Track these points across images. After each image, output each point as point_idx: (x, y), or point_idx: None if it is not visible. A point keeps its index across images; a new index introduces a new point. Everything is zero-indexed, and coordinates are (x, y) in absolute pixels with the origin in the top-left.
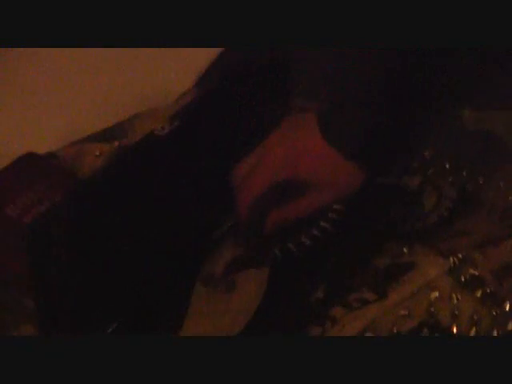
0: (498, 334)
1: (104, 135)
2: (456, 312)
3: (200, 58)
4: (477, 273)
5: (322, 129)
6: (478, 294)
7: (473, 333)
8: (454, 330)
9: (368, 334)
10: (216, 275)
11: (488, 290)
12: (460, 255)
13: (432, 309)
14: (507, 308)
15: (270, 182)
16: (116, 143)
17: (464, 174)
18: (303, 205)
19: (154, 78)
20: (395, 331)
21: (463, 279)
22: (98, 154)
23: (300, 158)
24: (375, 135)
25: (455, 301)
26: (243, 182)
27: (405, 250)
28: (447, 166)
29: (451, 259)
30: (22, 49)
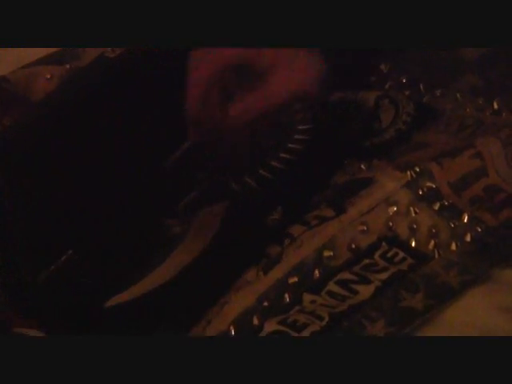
0: (456, 246)
1: (55, 58)
2: (414, 226)
3: None
4: (434, 185)
5: None
6: (436, 206)
7: (431, 246)
8: (413, 244)
9: (326, 252)
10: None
11: (446, 203)
12: (417, 168)
13: (390, 223)
14: (465, 220)
15: (219, 65)
16: (68, 66)
17: (421, 87)
18: (262, 94)
19: None
20: (354, 247)
21: (421, 192)
22: (49, 76)
23: None
24: None
25: (413, 214)
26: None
27: (362, 166)
28: (404, 79)
29: (408, 173)
30: None
